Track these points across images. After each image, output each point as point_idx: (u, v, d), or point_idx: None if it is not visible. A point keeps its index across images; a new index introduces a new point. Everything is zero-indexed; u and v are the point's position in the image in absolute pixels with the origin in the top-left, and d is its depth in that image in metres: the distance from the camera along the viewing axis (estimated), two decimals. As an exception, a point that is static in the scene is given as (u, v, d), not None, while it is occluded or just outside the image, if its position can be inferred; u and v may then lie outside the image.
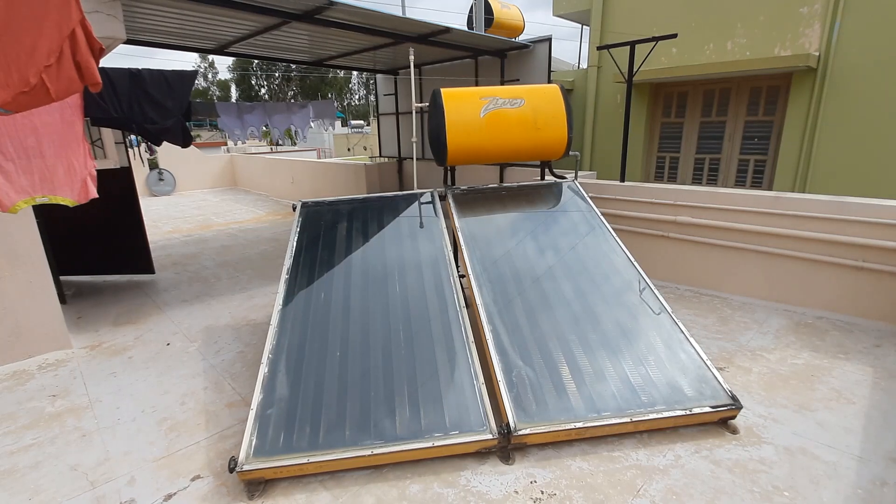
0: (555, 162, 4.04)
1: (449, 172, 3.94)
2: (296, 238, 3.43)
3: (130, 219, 5.11)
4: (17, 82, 1.78)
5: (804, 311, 3.90)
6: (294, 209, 3.71)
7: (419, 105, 4.10)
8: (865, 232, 3.57)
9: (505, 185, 4.03)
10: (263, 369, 2.54)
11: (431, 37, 5.80)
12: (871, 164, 6.92)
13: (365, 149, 24.99)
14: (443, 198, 3.78)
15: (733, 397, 2.45)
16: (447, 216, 3.60)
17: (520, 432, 2.24)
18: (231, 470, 2.09)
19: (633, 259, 3.28)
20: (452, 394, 2.42)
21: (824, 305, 3.85)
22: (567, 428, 2.28)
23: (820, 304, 3.87)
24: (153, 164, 12.37)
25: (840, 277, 3.74)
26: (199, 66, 38.83)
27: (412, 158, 5.11)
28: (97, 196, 3.27)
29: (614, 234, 3.47)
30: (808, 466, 2.21)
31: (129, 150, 5.32)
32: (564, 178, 4.08)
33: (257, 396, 2.40)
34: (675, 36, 5.25)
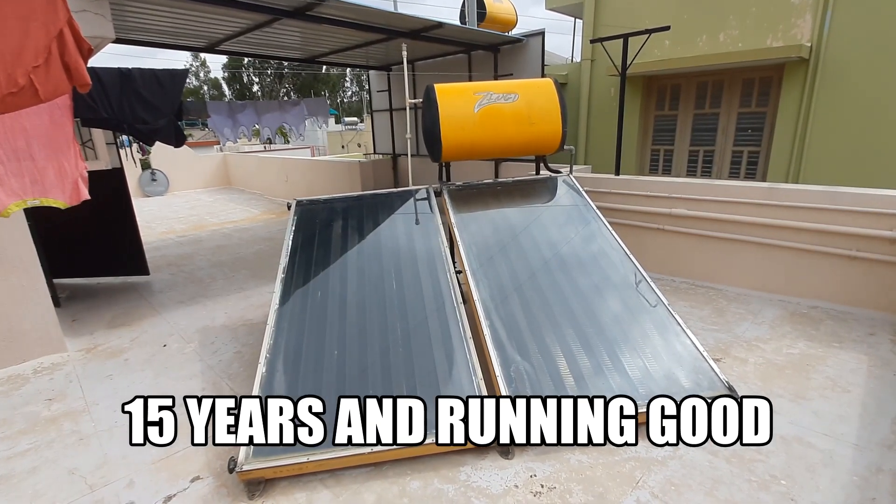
0: (549, 156, 4.03)
1: (444, 168, 3.93)
2: (291, 237, 3.42)
3: (124, 220, 5.07)
4: (4, 83, 1.76)
5: (799, 301, 3.93)
6: (289, 208, 3.69)
7: (413, 101, 4.08)
8: (858, 221, 3.59)
9: (500, 180, 4.02)
10: (261, 369, 2.53)
11: (424, 32, 5.78)
12: (864, 153, 6.96)
13: (359, 146, 24.90)
14: (438, 194, 3.77)
15: (730, 388, 2.46)
16: (443, 212, 3.59)
17: (519, 427, 2.24)
18: (231, 470, 2.09)
19: (628, 252, 3.28)
20: (451, 390, 2.42)
21: (818, 295, 3.88)
22: (566, 422, 2.29)
23: (814, 293, 3.89)
24: (145, 165, 12.27)
25: (834, 267, 3.76)
26: (190, 65, 38.47)
27: (407, 155, 5.09)
28: (89, 198, 3.24)
29: (610, 228, 3.48)
30: (804, 455, 2.23)
31: (121, 150, 5.27)
32: (559, 172, 4.08)
33: (255, 396, 2.39)
34: (667, 28, 5.26)
